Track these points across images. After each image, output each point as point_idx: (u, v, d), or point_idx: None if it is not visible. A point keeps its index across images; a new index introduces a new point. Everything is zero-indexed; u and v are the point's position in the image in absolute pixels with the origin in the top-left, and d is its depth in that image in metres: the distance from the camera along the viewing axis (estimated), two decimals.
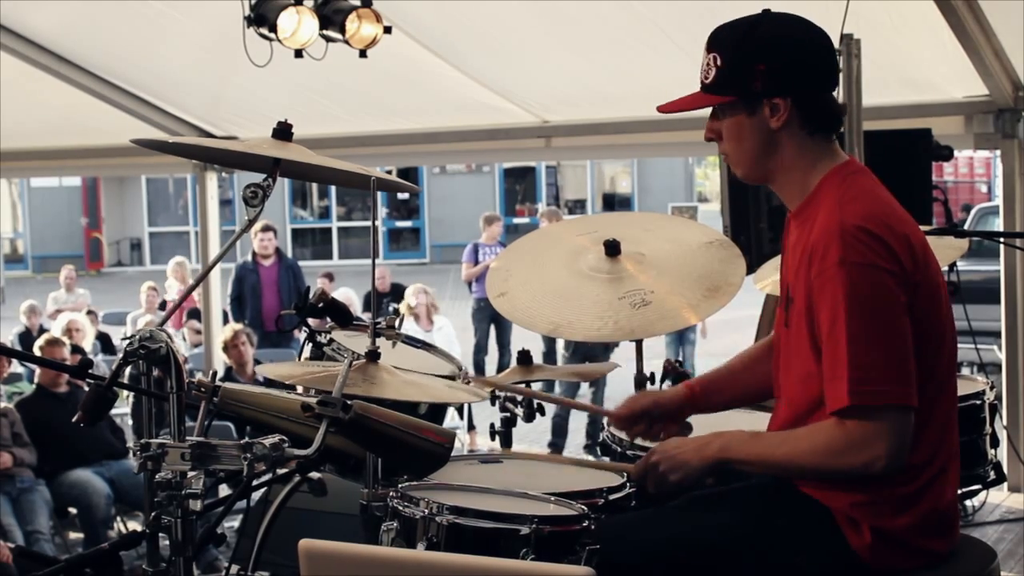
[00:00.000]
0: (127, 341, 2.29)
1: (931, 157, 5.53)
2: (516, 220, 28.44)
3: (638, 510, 2.68)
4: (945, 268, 4.14)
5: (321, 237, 30.55)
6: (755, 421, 3.15)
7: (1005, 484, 5.59)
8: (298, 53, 5.94)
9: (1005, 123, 6.30)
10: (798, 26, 2.45)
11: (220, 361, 8.14)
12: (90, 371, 2.64)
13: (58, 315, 10.81)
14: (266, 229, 10.56)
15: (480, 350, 11.50)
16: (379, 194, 2.60)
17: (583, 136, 7.96)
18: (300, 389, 2.74)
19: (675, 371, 3.35)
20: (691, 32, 5.79)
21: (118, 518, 7.27)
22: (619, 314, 2.99)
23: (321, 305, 2.88)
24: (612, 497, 2.66)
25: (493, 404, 3.33)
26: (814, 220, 2.38)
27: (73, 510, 7.10)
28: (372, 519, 2.69)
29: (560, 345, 9.72)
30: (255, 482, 2.54)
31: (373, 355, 2.55)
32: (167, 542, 2.27)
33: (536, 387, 3.43)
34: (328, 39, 5.98)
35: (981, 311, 5.66)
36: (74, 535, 7.25)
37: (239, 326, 8.39)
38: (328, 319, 2.96)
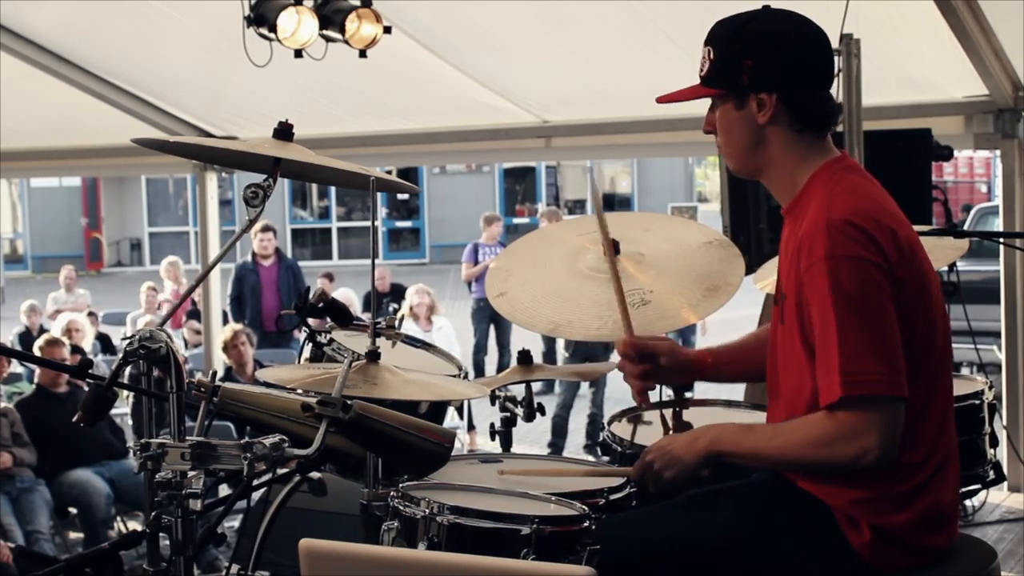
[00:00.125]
0: (127, 341, 2.29)
1: (931, 157, 5.53)
2: (516, 220, 28.44)
3: (639, 509, 2.68)
4: (945, 268, 4.16)
5: (321, 237, 30.55)
6: (752, 420, 3.14)
7: (1005, 484, 5.60)
8: (298, 53, 5.95)
9: (1005, 123, 6.30)
10: (791, 23, 2.46)
11: (220, 361, 8.14)
12: (90, 371, 2.64)
13: (58, 315, 10.81)
14: (266, 229, 10.56)
15: (480, 350, 11.50)
16: (379, 194, 2.60)
17: (583, 136, 7.96)
18: (300, 389, 2.74)
19: None
20: (691, 32, 5.76)
21: (118, 518, 7.27)
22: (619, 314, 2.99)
23: (321, 305, 2.88)
24: (613, 497, 2.67)
25: (493, 404, 3.33)
26: (804, 216, 2.40)
27: (73, 510, 7.10)
28: (372, 519, 2.69)
29: (560, 345, 9.72)
30: (255, 482, 2.54)
31: (373, 355, 2.55)
32: (167, 542, 2.27)
33: (536, 387, 3.43)
34: (328, 39, 5.98)
35: (981, 311, 5.67)
36: (74, 535, 7.25)
37: (239, 326, 8.39)
38: (328, 319, 2.96)
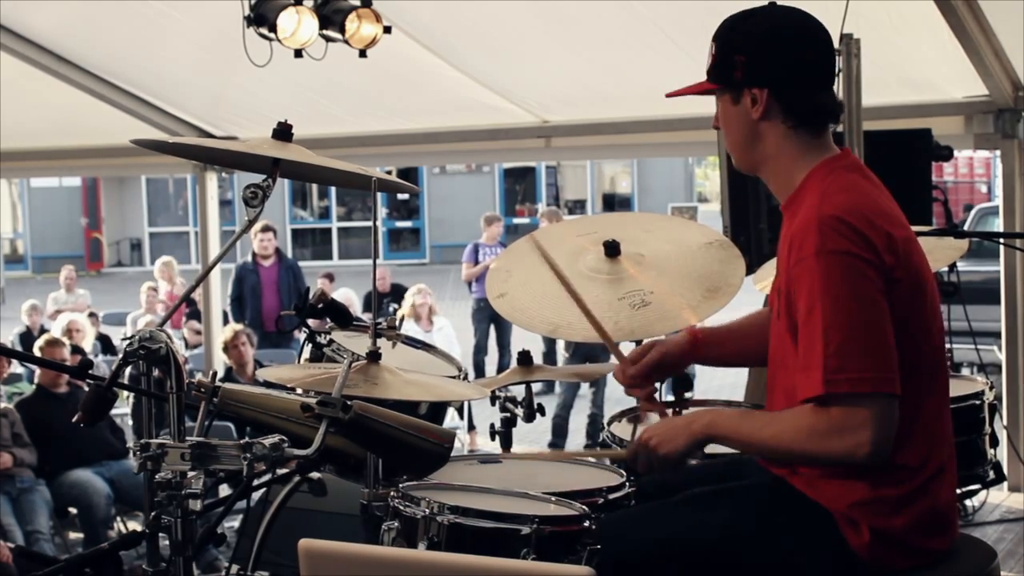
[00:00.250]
0: (127, 341, 2.29)
1: (931, 157, 5.53)
2: (516, 220, 28.43)
3: (638, 509, 2.68)
4: (945, 268, 4.16)
5: (321, 237, 30.54)
6: None
7: (1005, 484, 5.59)
8: (298, 53, 5.94)
9: (1005, 123, 6.30)
10: (789, 19, 2.46)
11: (220, 361, 8.14)
12: (90, 371, 2.64)
13: (58, 315, 10.80)
14: (266, 229, 10.56)
15: (480, 351, 11.50)
16: (379, 194, 2.60)
17: (583, 136, 7.96)
18: (300, 390, 2.74)
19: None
20: (691, 32, 5.79)
21: (118, 518, 7.27)
22: (619, 315, 2.99)
23: (320, 306, 2.89)
24: (612, 496, 2.67)
25: (493, 404, 3.34)
26: (799, 212, 2.40)
27: (73, 510, 7.10)
28: (372, 519, 2.69)
29: (560, 346, 9.72)
30: (255, 482, 2.54)
31: (374, 355, 2.55)
32: (167, 542, 2.27)
33: (536, 387, 3.43)
34: (328, 39, 5.97)
35: (981, 311, 5.66)
36: (74, 535, 7.25)
37: (239, 326, 8.39)
38: (328, 320, 2.96)
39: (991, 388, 3.66)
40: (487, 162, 25.59)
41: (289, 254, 22.33)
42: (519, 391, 3.36)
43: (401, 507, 2.47)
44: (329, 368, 2.76)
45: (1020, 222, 6.39)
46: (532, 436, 8.76)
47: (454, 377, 3.23)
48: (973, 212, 13.09)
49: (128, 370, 6.09)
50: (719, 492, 2.56)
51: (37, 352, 7.39)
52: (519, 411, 3.32)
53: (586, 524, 2.42)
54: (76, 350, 8.16)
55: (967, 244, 4.07)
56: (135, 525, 7.24)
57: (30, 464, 6.86)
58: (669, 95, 2.62)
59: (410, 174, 25.93)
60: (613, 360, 2.95)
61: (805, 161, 2.46)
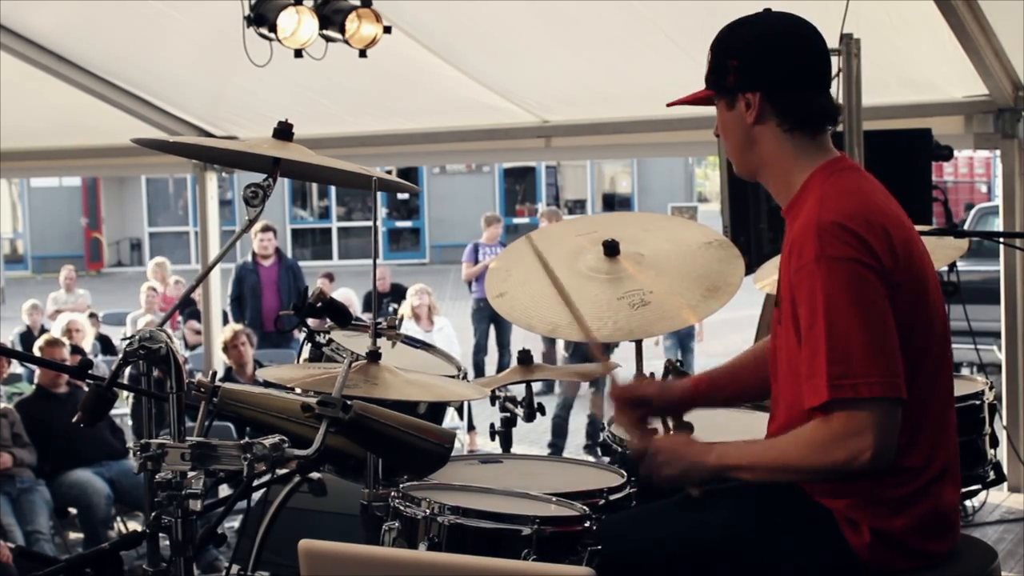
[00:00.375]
0: (127, 341, 2.29)
1: (931, 157, 5.52)
2: (516, 220, 28.43)
3: (639, 509, 2.68)
4: (945, 268, 4.15)
5: (321, 237, 30.55)
6: (755, 421, 3.15)
7: (1005, 484, 5.59)
8: (298, 53, 5.94)
9: (1005, 123, 6.30)
10: (781, 24, 2.47)
11: (220, 361, 8.14)
12: (90, 372, 2.64)
13: (58, 315, 10.80)
14: (266, 229, 10.56)
15: (480, 350, 11.50)
16: (379, 194, 2.61)
17: (583, 136, 7.96)
18: (300, 390, 2.74)
19: (675, 371, 3.34)
20: (691, 32, 5.80)
21: (118, 518, 7.27)
22: (618, 314, 2.99)
23: (320, 305, 2.88)
24: (613, 497, 2.67)
25: (493, 404, 3.34)
26: (799, 218, 2.39)
27: (73, 510, 7.10)
28: (373, 519, 2.69)
29: (560, 345, 9.72)
30: (255, 482, 2.54)
31: (374, 355, 2.55)
32: (167, 542, 2.27)
33: (536, 387, 3.43)
34: (328, 39, 5.97)
35: (981, 311, 5.66)
36: (74, 535, 7.25)
37: (239, 326, 8.39)
38: (327, 319, 2.96)
39: (991, 388, 3.66)
40: (487, 162, 25.59)
41: (289, 254, 22.33)
42: (519, 391, 3.36)
43: (401, 507, 2.47)
44: (329, 368, 2.76)
45: (1020, 222, 6.39)
46: (532, 436, 8.76)
47: (454, 377, 3.23)
48: (973, 212, 13.09)
49: (128, 370, 6.09)
50: (719, 492, 2.55)
51: (37, 352, 7.39)
52: (519, 411, 3.32)
53: (587, 525, 2.42)
54: (76, 350, 8.16)
55: (967, 244, 4.07)
56: (135, 525, 7.24)
57: (30, 464, 6.86)
58: (670, 104, 2.63)
59: (410, 174, 25.92)
60: (613, 360, 2.95)
61: (803, 165, 2.45)
